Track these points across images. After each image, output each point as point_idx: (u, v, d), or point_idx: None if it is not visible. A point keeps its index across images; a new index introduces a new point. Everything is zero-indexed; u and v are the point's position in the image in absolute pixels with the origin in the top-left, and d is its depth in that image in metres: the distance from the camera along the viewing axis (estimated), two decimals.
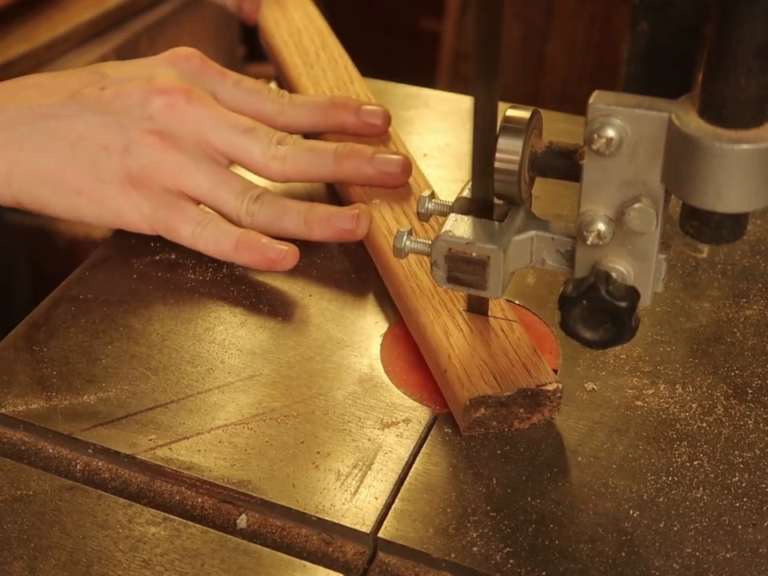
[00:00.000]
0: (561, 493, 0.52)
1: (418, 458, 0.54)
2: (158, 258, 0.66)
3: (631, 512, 0.51)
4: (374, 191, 0.68)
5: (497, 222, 0.53)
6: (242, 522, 0.52)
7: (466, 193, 0.55)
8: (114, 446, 0.54)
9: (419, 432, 0.55)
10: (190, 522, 0.51)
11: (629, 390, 0.58)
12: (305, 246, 0.65)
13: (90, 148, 0.65)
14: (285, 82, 0.82)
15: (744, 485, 0.52)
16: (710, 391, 0.58)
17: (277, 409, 0.56)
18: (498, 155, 0.51)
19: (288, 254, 0.64)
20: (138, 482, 0.54)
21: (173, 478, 0.53)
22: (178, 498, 0.53)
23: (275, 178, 0.68)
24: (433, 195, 0.57)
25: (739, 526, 0.50)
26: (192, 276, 0.65)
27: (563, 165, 0.52)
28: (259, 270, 0.65)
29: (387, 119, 0.73)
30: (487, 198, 0.53)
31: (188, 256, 0.66)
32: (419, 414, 0.56)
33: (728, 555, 0.49)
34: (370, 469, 0.53)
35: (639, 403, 0.57)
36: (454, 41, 1.91)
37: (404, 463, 0.53)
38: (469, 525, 0.50)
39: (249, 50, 1.58)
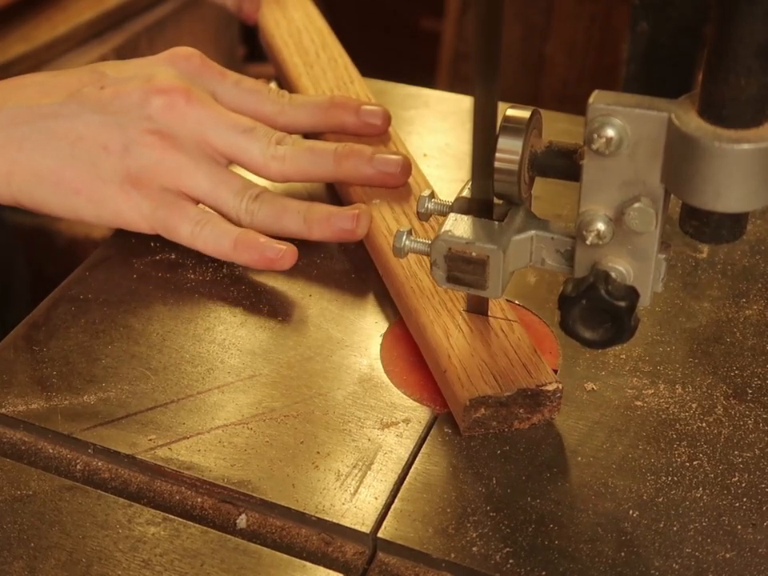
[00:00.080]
0: (560, 493, 0.52)
1: (417, 458, 0.54)
2: (157, 257, 0.66)
3: (631, 512, 0.51)
4: (374, 191, 0.68)
5: (496, 222, 0.53)
6: (242, 522, 0.52)
7: (466, 192, 0.55)
8: (113, 446, 0.54)
9: (419, 432, 0.55)
10: (189, 522, 0.51)
11: (629, 390, 0.58)
12: (304, 246, 0.65)
13: (89, 147, 0.65)
14: (285, 82, 0.82)
15: (744, 485, 0.52)
16: (709, 391, 0.58)
17: (277, 409, 0.56)
18: (497, 155, 0.51)
19: (286, 254, 0.64)
20: (137, 482, 0.54)
21: (173, 477, 0.53)
22: (177, 497, 0.53)
23: (275, 178, 0.68)
24: (432, 195, 0.57)
25: (739, 526, 0.50)
26: (192, 276, 0.65)
27: (563, 165, 0.52)
28: (258, 270, 0.65)
29: (387, 119, 0.73)
30: (487, 198, 0.53)
31: (188, 256, 0.66)
32: (419, 413, 0.56)
33: (727, 555, 0.49)
34: (369, 469, 0.53)
35: (639, 403, 0.57)
36: (454, 41, 1.91)
37: (404, 463, 0.53)
38: (468, 525, 0.50)
39: (249, 50, 1.58)
